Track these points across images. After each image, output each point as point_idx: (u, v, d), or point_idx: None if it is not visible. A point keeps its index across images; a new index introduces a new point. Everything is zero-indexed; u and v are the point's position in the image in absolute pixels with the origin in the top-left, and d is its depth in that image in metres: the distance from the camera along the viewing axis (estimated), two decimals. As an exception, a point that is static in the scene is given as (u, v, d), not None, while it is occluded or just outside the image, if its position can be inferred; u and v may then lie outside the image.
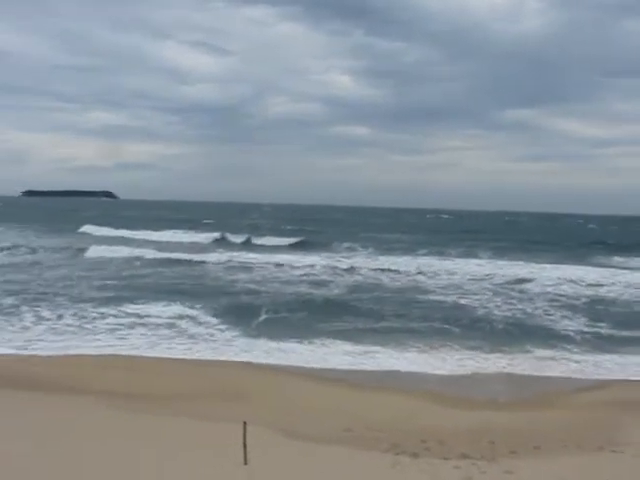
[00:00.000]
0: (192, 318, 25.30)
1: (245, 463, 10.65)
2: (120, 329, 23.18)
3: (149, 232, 70.73)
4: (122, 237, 66.12)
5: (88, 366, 18.34)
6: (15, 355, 19.28)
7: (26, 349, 20.06)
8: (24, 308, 26.09)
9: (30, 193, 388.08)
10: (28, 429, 12.35)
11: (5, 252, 49.63)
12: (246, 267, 43.86)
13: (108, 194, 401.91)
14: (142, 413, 13.81)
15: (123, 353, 20.02)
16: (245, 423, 11.06)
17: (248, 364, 19.09)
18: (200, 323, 24.50)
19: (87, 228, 76.21)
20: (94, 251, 49.67)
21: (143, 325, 23.86)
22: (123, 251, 49.74)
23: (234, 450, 10.86)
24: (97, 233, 72.14)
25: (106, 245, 52.25)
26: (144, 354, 20.01)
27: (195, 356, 19.99)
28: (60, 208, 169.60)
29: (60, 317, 24.64)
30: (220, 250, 53.39)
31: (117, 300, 28.49)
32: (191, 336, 22.55)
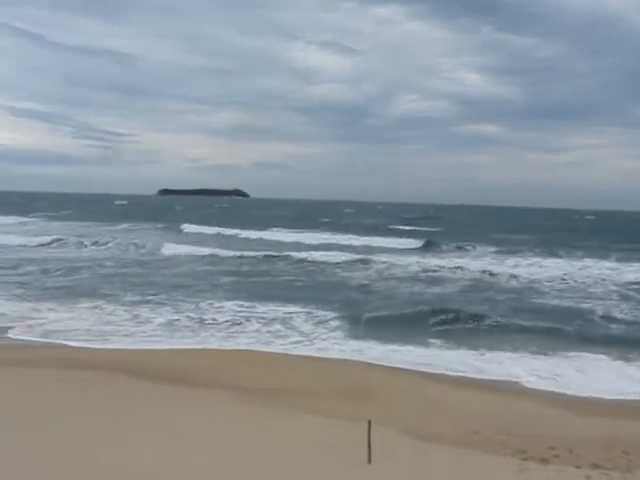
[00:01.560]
0: (309, 315, 25.62)
1: (369, 462, 10.71)
2: (236, 324, 23.86)
3: (253, 231, 71.12)
4: (219, 234, 68.39)
5: (215, 360, 18.89)
6: (144, 349, 20.08)
7: (152, 343, 20.94)
8: (142, 301, 27.66)
9: (165, 192, 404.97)
10: (162, 420, 12.94)
11: (94, 247, 53.00)
12: (363, 265, 43.82)
13: (240, 192, 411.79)
14: (271, 409, 14.10)
15: (242, 348, 20.58)
16: (370, 422, 11.11)
17: (369, 363, 19.11)
18: (318, 322, 24.65)
19: (185, 226, 77.38)
20: (168, 248, 51.28)
21: (258, 321, 24.41)
22: (197, 250, 50.29)
23: (358, 448, 10.95)
24: (192, 230, 73.81)
25: (189, 245, 53.53)
26: (266, 349, 20.51)
27: (317, 353, 20.22)
28: (188, 205, 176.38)
29: (178, 311, 25.71)
30: (335, 249, 53.24)
31: (231, 297, 29.32)
32: (306, 333, 22.86)
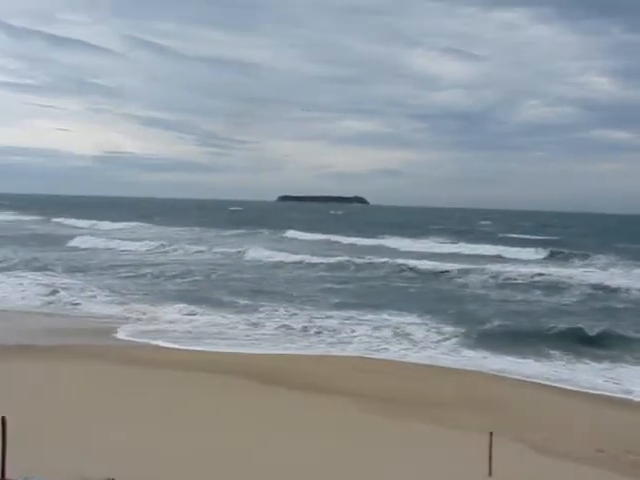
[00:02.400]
0: (422, 323, 25.41)
1: (490, 475, 10.50)
2: (345, 331, 23.89)
3: (361, 238, 70.28)
4: (327, 240, 68.52)
5: (331, 367, 18.99)
6: (264, 354, 20.36)
7: (268, 348, 21.24)
8: (253, 306, 28.30)
9: (285, 198, 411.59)
10: (286, 424, 13.21)
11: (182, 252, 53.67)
12: (477, 274, 42.38)
13: (360, 200, 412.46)
14: (392, 417, 14.10)
15: (355, 355, 20.64)
16: (491, 434, 10.90)
17: (492, 374, 18.76)
18: (432, 330, 24.32)
19: (290, 233, 76.97)
20: (252, 253, 51.55)
21: (368, 328, 24.38)
22: (277, 256, 50.11)
23: (480, 460, 10.77)
24: (294, 236, 73.82)
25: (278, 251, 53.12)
26: (379, 356, 20.49)
27: (433, 362, 19.98)
28: (305, 211, 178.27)
29: (291, 316, 26.22)
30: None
31: (337, 303, 29.60)
32: (419, 341, 22.65)
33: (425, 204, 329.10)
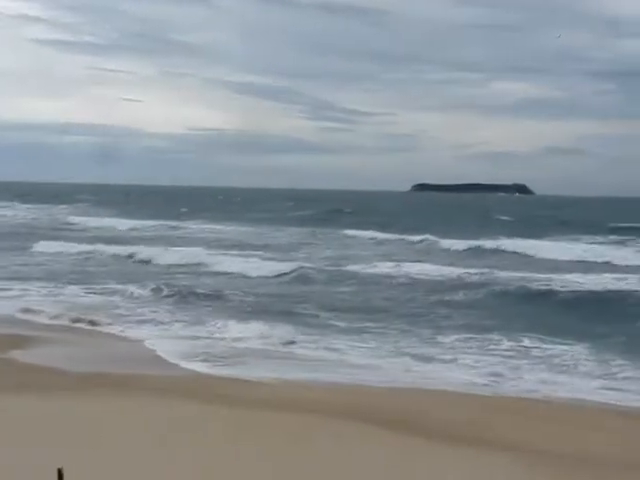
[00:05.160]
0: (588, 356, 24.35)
1: None
2: (480, 359, 23.62)
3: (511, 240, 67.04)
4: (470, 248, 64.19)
5: (472, 406, 18.27)
6: (369, 387, 20.12)
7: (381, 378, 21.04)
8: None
9: (422, 187, 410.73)
10: None
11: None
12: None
13: (521, 188, 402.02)
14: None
15: (507, 394, 19.96)
16: None
17: None
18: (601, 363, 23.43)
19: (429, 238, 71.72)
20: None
21: (513, 356, 24.18)
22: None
23: None
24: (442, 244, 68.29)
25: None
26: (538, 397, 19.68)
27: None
28: (447, 205, 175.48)
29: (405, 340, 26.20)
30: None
31: (454, 326, 29.18)
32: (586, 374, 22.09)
33: (616, 194, 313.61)
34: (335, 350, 24.52)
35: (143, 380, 19.85)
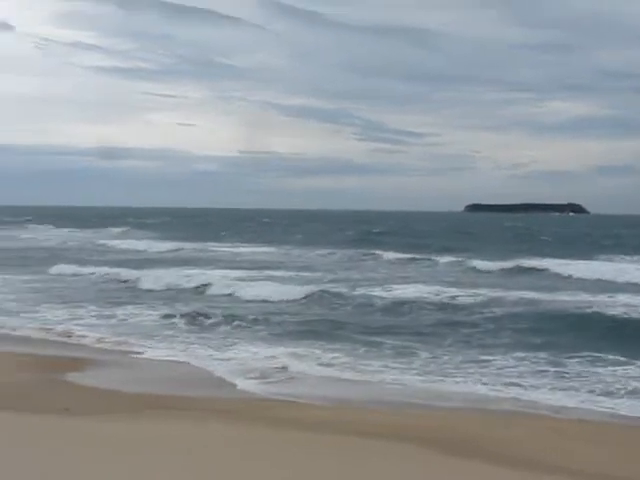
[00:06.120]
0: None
1: None
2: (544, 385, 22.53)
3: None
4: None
5: (535, 428, 17.71)
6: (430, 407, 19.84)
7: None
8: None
9: (475, 207, 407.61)
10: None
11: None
12: None
13: (575, 207, 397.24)
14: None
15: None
16: None
17: None
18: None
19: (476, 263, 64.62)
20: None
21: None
22: None
23: None
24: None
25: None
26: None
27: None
28: (498, 226, 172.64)
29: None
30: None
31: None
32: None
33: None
34: (385, 371, 24.29)
35: (201, 402, 19.95)
